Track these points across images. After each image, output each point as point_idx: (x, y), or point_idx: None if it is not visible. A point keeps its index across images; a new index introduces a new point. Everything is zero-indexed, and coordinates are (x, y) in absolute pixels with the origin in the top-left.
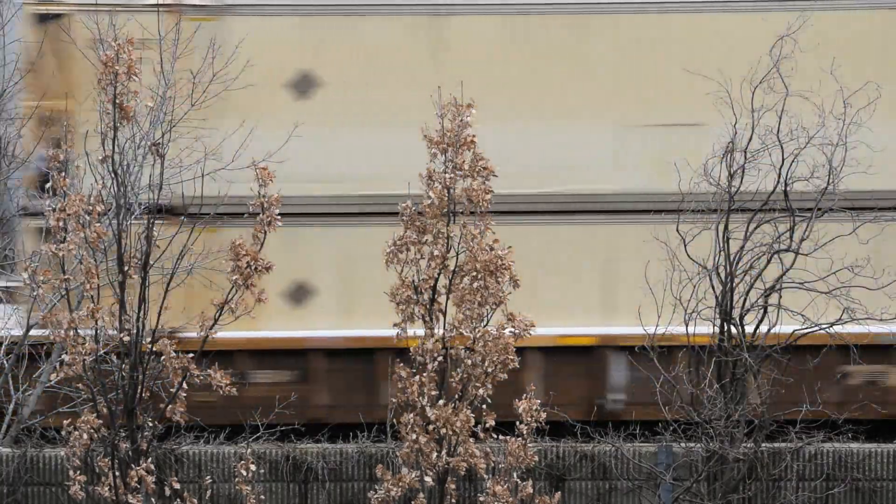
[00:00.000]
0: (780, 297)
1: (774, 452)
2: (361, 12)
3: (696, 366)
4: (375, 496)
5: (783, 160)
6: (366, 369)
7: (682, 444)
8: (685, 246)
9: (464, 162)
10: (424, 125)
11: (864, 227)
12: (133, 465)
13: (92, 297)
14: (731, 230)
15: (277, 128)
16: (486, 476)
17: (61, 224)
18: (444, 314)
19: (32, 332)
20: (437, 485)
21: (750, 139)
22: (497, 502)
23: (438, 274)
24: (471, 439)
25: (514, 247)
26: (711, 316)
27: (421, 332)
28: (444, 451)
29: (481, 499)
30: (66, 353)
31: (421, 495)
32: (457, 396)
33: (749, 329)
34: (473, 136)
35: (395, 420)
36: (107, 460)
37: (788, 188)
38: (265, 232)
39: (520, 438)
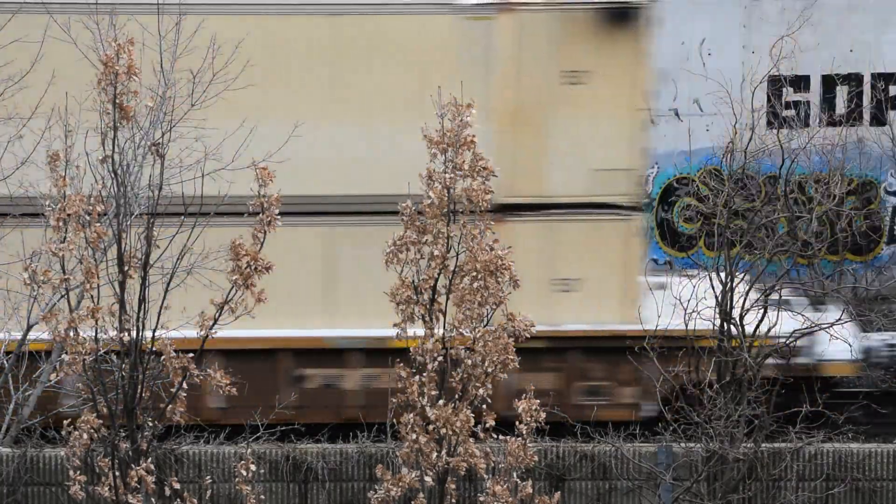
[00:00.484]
0: None
1: (774, 452)
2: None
3: (695, 366)
4: (375, 496)
5: None
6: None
7: (682, 444)
8: None
9: (464, 162)
10: (425, 126)
11: None
12: (133, 465)
13: (92, 297)
14: None
15: None
16: (485, 476)
17: (61, 224)
18: (444, 314)
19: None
20: (437, 485)
21: None
22: (497, 502)
23: (438, 274)
24: (471, 439)
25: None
26: None
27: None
28: (443, 451)
29: (481, 499)
30: (66, 353)
31: (421, 495)
32: (457, 396)
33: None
34: (473, 136)
35: (394, 420)
36: (107, 460)
37: None
38: (265, 232)
39: (519, 438)
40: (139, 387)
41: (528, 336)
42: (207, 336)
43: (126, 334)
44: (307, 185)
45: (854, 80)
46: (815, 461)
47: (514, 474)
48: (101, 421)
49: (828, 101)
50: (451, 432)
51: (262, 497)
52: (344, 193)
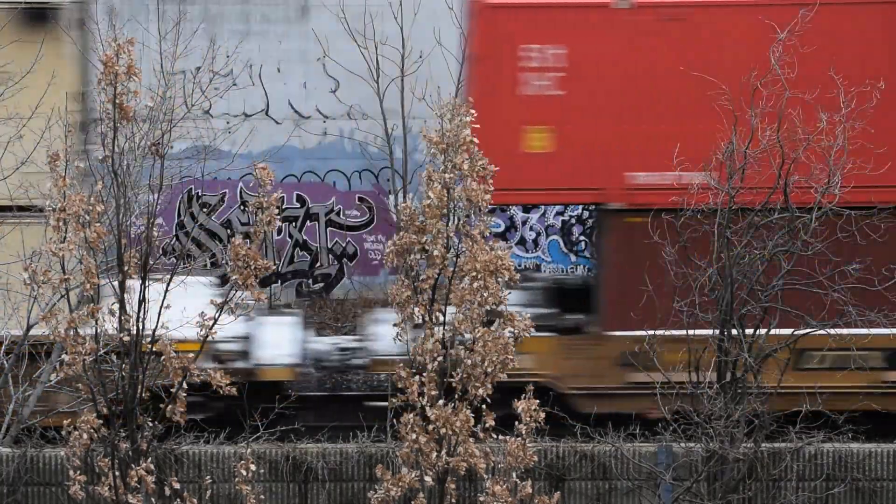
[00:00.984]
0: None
1: (774, 452)
2: None
3: (695, 366)
4: (375, 496)
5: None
6: None
7: (682, 444)
8: None
9: (463, 162)
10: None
11: None
12: (133, 465)
13: (92, 296)
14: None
15: None
16: (485, 476)
17: (61, 224)
18: (444, 314)
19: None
20: (437, 485)
21: None
22: (496, 502)
23: (438, 274)
24: (470, 439)
25: None
26: None
27: None
28: (443, 451)
29: (481, 499)
30: (66, 353)
31: (421, 495)
32: (456, 396)
33: None
34: (473, 137)
35: (394, 420)
36: (107, 460)
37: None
38: (265, 232)
39: (519, 438)
40: (139, 387)
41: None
42: (207, 336)
43: (126, 334)
44: None
45: None
46: (815, 461)
47: (514, 474)
48: (101, 421)
49: None
50: (450, 432)
51: (262, 497)
52: None
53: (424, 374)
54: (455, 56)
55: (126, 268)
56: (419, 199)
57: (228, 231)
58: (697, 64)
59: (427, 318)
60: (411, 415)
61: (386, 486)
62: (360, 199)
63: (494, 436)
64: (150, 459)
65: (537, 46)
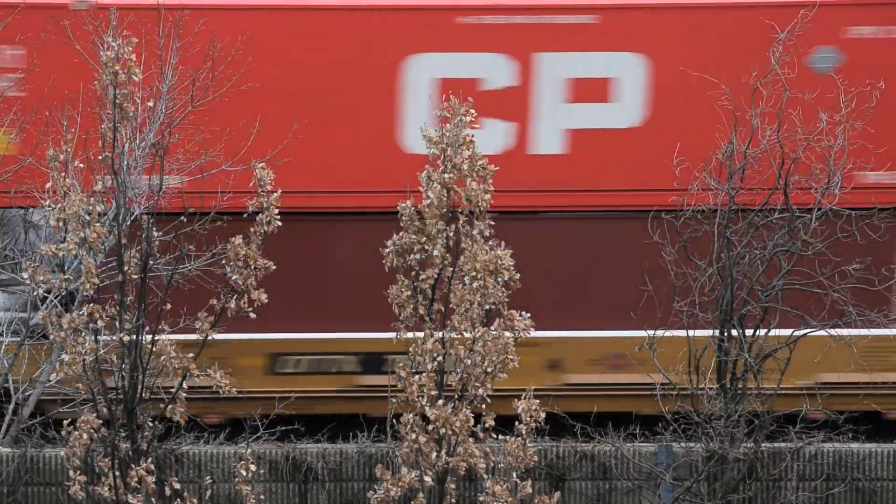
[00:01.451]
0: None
1: (774, 452)
2: None
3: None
4: (375, 496)
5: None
6: None
7: (682, 444)
8: None
9: (463, 162)
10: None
11: None
12: (133, 465)
13: (92, 297)
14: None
15: None
16: (485, 476)
17: (61, 224)
18: (444, 314)
19: None
20: (437, 484)
21: None
22: (496, 502)
23: (438, 274)
24: (470, 439)
25: None
26: None
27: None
28: (443, 451)
29: (481, 498)
30: (66, 352)
31: (420, 495)
32: (456, 396)
33: None
34: (472, 136)
35: (394, 420)
36: (107, 460)
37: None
38: (265, 231)
39: (519, 438)
40: (139, 387)
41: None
42: (207, 336)
43: (126, 334)
44: None
45: None
46: (815, 461)
47: (514, 474)
48: (101, 421)
49: None
50: (450, 432)
51: (262, 497)
52: None
53: (424, 374)
54: None
55: (126, 268)
56: None
57: None
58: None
59: (427, 318)
60: (411, 415)
61: (386, 486)
62: None
63: (494, 436)
64: (150, 459)
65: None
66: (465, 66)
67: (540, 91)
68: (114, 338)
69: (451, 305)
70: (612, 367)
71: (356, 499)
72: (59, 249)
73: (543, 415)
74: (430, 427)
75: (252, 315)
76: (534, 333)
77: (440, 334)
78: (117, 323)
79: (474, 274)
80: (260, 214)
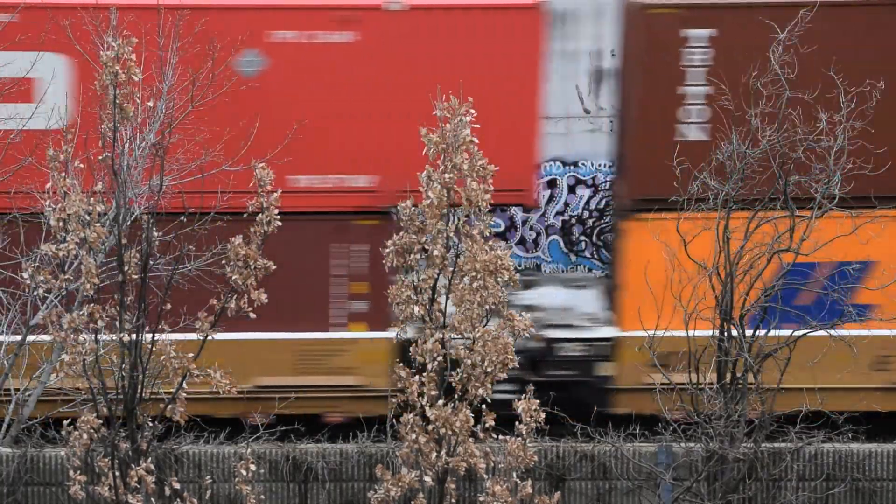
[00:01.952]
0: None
1: (774, 452)
2: None
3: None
4: (375, 496)
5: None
6: None
7: (682, 444)
8: None
9: (462, 162)
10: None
11: None
12: (133, 465)
13: (92, 297)
14: None
15: None
16: (485, 476)
17: (61, 224)
18: (444, 314)
19: None
20: (437, 485)
21: None
22: (496, 502)
23: (438, 274)
24: (470, 439)
25: None
26: None
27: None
28: (443, 451)
29: (481, 499)
30: (66, 352)
31: (420, 495)
32: (456, 396)
33: None
34: (472, 136)
35: (394, 420)
36: (107, 460)
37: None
38: (265, 231)
39: (519, 438)
40: (139, 387)
41: (528, 336)
42: (207, 336)
43: (126, 334)
44: None
45: None
46: (815, 461)
47: (514, 474)
48: (101, 421)
49: None
50: (450, 432)
51: (262, 497)
52: None
53: (424, 374)
54: None
55: (126, 268)
56: None
57: None
58: None
59: (427, 318)
60: (411, 415)
61: (386, 486)
62: None
63: (494, 436)
64: (150, 459)
65: None
66: None
67: None
68: (114, 338)
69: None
70: None
71: (356, 499)
72: (59, 249)
73: (543, 415)
74: (430, 427)
75: (252, 315)
76: None
77: (440, 334)
78: (117, 323)
79: (474, 274)
80: (260, 214)
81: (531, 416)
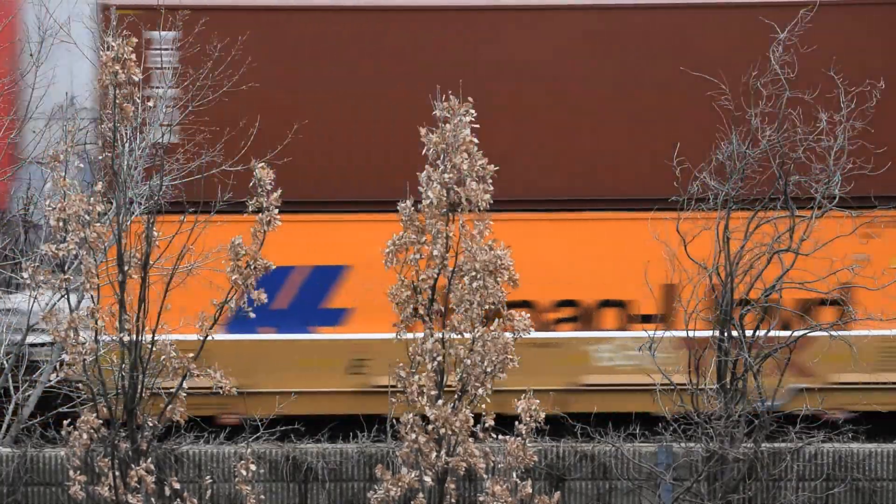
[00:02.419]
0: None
1: (774, 452)
2: None
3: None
4: (375, 496)
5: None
6: None
7: (682, 444)
8: None
9: (462, 162)
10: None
11: None
12: (133, 465)
13: (92, 296)
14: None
15: None
16: (485, 476)
17: (61, 224)
18: (444, 314)
19: None
20: (437, 485)
21: None
22: (496, 502)
23: (438, 274)
24: (470, 439)
25: None
26: None
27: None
28: (443, 451)
29: (481, 499)
30: (66, 352)
31: (420, 495)
32: (456, 396)
33: None
34: (472, 137)
35: (394, 419)
36: (107, 460)
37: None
38: (264, 231)
39: (519, 438)
40: (139, 387)
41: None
42: (207, 336)
43: (126, 334)
44: None
45: None
46: (815, 461)
47: (514, 474)
48: (101, 421)
49: None
50: (450, 432)
51: (262, 497)
52: None
53: (424, 374)
54: None
55: (126, 268)
56: None
57: None
58: None
59: (426, 318)
60: (411, 415)
61: (386, 486)
62: None
63: (494, 436)
64: (150, 459)
65: None
66: None
67: None
68: (114, 338)
69: (450, 305)
70: None
71: (356, 499)
72: (59, 249)
73: (543, 415)
74: (430, 427)
75: (252, 315)
76: None
77: (440, 334)
78: (117, 323)
79: (474, 274)
80: (260, 214)
81: (531, 416)
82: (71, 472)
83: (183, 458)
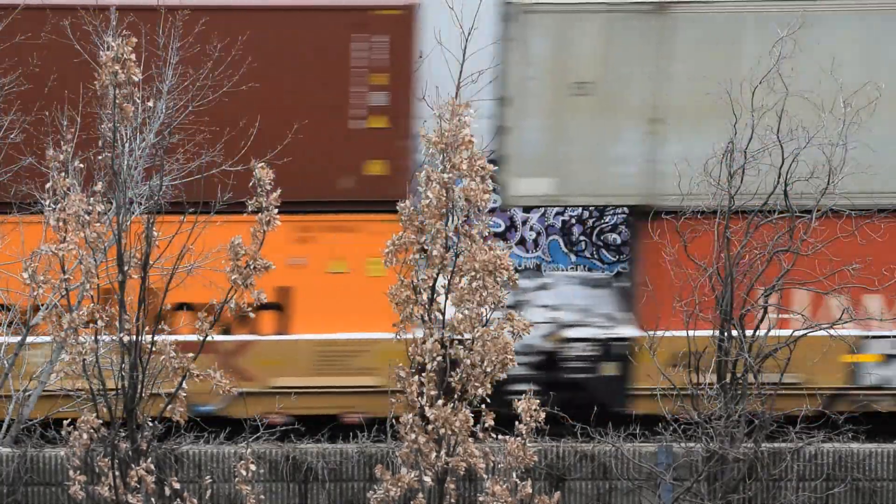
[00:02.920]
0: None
1: (774, 452)
2: None
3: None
4: (375, 496)
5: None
6: None
7: (682, 444)
8: None
9: (461, 162)
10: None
11: None
12: (133, 465)
13: (92, 296)
14: None
15: None
16: (485, 476)
17: (61, 224)
18: (444, 314)
19: None
20: (437, 485)
21: None
22: (496, 502)
23: (437, 274)
24: (470, 439)
25: None
26: None
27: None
28: (443, 451)
29: (481, 499)
30: (66, 352)
31: (420, 495)
32: (456, 396)
33: None
34: (471, 136)
35: (394, 420)
36: (107, 460)
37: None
38: (264, 231)
39: (519, 438)
40: (139, 387)
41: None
42: (207, 336)
43: (126, 334)
44: None
45: None
46: (815, 461)
47: (514, 474)
48: (101, 421)
49: None
50: (450, 432)
51: (262, 497)
52: None
53: (424, 374)
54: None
55: (126, 268)
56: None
57: None
58: None
59: (426, 318)
60: (411, 415)
61: (385, 486)
62: None
63: (494, 436)
64: (150, 459)
65: None
66: None
67: None
68: (114, 338)
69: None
70: None
71: (356, 499)
72: (59, 249)
73: (543, 415)
74: (430, 427)
75: (251, 315)
76: None
77: (440, 334)
78: (117, 323)
79: (473, 274)
80: (259, 214)
81: (531, 416)
82: (71, 472)
83: (183, 458)
